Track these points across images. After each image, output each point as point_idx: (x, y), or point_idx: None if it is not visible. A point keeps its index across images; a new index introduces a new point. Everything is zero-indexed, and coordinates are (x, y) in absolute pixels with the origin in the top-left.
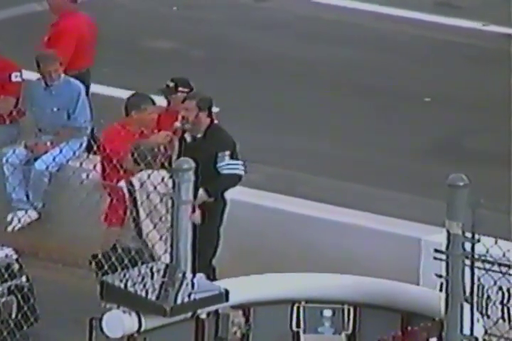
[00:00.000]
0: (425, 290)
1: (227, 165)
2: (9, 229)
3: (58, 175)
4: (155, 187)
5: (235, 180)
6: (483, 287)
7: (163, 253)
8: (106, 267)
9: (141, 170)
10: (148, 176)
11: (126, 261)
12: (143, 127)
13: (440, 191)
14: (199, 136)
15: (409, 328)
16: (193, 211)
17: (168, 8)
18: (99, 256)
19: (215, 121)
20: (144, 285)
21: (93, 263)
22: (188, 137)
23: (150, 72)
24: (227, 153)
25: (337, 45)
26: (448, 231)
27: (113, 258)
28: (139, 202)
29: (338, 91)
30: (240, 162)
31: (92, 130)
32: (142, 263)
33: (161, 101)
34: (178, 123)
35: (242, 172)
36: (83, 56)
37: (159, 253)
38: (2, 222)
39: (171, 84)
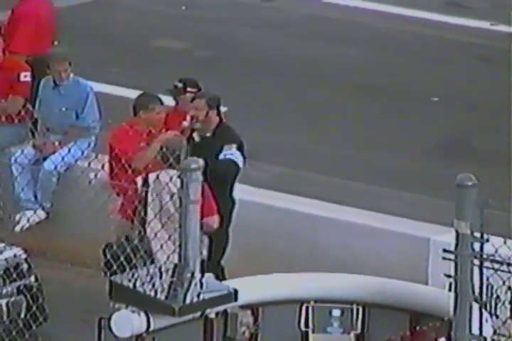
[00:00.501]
0: (434, 290)
1: (231, 154)
2: (17, 228)
3: (67, 175)
4: (163, 187)
5: (231, 165)
6: (492, 287)
7: (172, 253)
8: (116, 258)
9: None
10: (157, 176)
11: (133, 259)
12: (151, 127)
13: (449, 191)
14: (208, 134)
15: (417, 328)
16: (207, 215)
17: (177, 7)
18: (114, 246)
19: (223, 120)
20: (153, 285)
21: (106, 253)
22: (196, 136)
23: (158, 72)
24: (235, 145)
25: (343, 44)
26: (457, 231)
27: (119, 253)
28: (149, 201)
29: (345, 91)
30: (240, 155)
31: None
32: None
33: (168, 101)
34: (186, 123)
35: (239, 163)
36: (41, 40)
37: (167, 253)
38: (10, 222)
39: (180, 85)
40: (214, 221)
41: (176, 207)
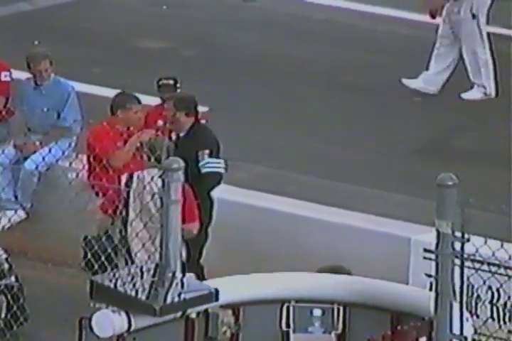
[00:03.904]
0: (415, 289)
1: (206, 163)
2: None
3: (48, 175)
4: (144, 187)
5: (215, 178)
6: (472, 286)
7: (152, 253)
8: (96, 248)
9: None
10: (138, 176)
11: (113, 257)
12: (129, 126)
13: (430, 191)
14: (182, 134)
15: (398, 328)
16: (188, 221)
17: (158, 7)
18: (93, 241)
19: (202, 121)
20: (134, 285)
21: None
22: (173, 136)
23: (140, 72)
24: (207, 151)
25: (327, 44)
26: (437, 231)
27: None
28: (131, 200)
29: (328, 91)
30: (220, 160)
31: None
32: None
33: (150, 101)
34: (160, 122)
35: (222, 170)
36: None
37: (148, 253)
38: None
39: (171, 82)
40: (194, 227)
41: (157, 207)
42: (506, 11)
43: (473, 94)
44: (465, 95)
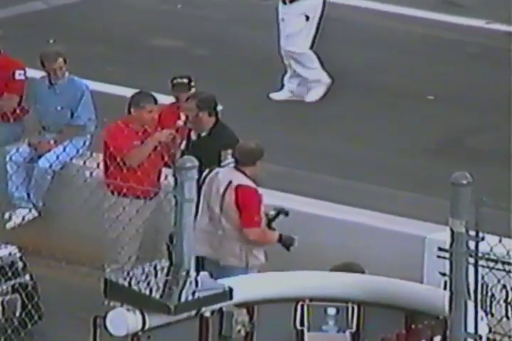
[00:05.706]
0: (429, 288)
1: (229, 163)
2: (10, 224)
3: (62, 173)
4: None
5: None
6: (487, 285)
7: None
8: None
9: None
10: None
11: None
12: (143, 125)
13: (444, 189)
14: (204, 134)
15: (413, 326)
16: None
17: (173, 6)
18: None
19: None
20: (148, 284)
21: None
22: (193, 135)
23: (154, 71)
24: (229, 151)
25: (340, 43)
26: (452, 230)
27: None
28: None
29: (341, 89)
30: None
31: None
32: None
33: (163, 99)
34: (180, 122)
35: None
36: None
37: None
38: (4, 220)
39: (185, 81)
40: (251, 233)
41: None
42: (501, 7)
43: (282, 95)
44: (273, 95)
